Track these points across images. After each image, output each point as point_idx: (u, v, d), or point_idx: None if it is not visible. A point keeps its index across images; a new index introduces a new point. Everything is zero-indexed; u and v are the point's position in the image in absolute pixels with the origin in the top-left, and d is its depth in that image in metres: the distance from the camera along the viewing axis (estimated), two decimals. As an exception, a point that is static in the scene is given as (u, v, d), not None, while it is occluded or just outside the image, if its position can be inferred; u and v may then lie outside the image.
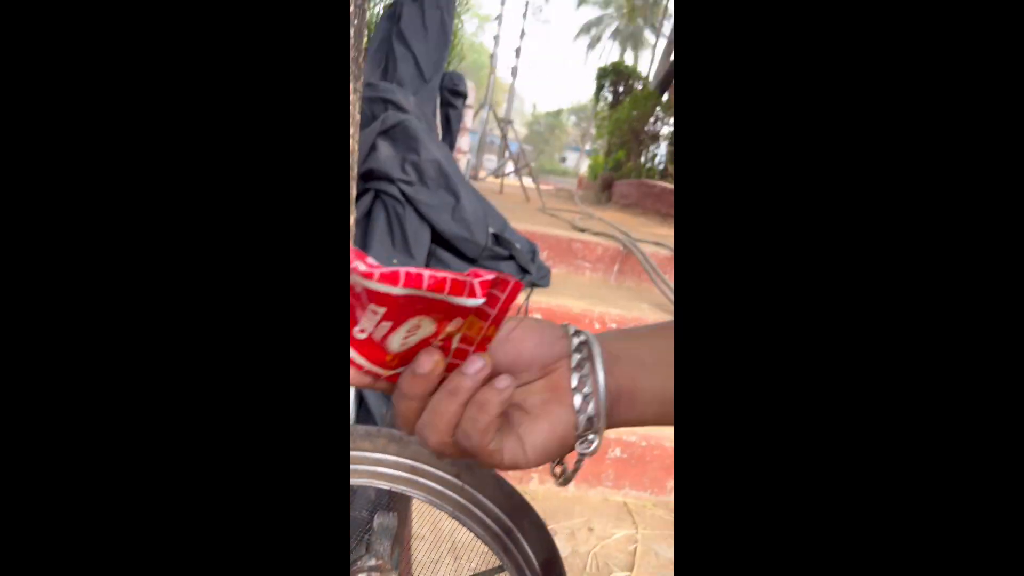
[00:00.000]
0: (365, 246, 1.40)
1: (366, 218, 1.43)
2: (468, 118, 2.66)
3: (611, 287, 2.14)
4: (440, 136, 2.20)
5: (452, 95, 2.24)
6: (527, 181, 4.09)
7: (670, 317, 1.77)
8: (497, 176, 4.27)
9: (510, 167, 4.23)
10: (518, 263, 1.73)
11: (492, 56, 4.56)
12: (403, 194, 1.49)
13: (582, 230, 2.46)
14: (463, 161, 2.72)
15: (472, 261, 1.68)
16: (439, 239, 1.62)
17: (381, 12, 2.11)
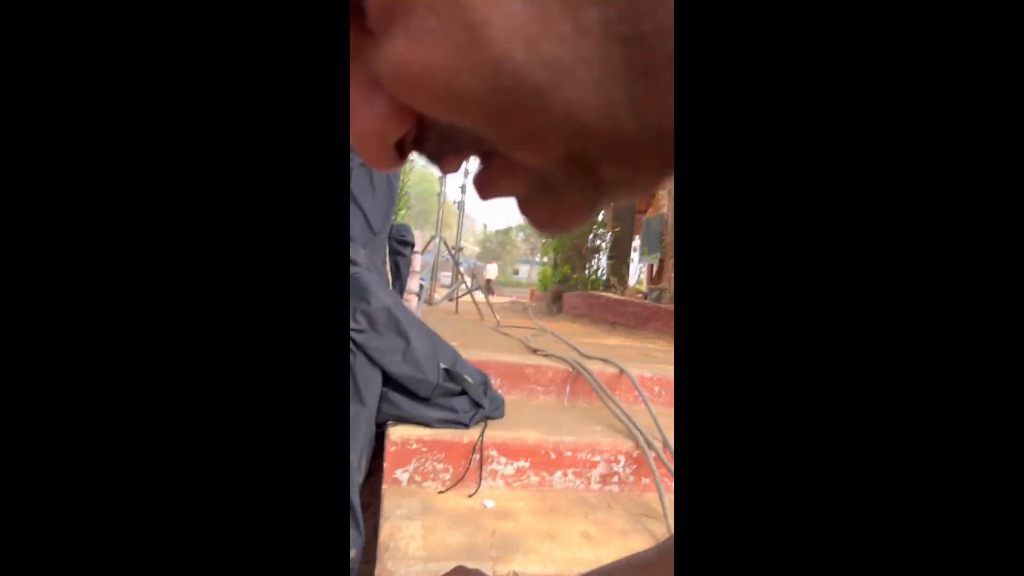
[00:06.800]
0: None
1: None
2: (416, 262, 2.81)
3: (564, 409, 2.19)
4: (391, 282, 2.34)
5: (400, 244, 2.44)
6: (479, 296, 4.22)
7: (623, 437, 1.78)
8: (451, 299, 4.39)
9: (463, 289, 4.37)
10: (471, 397, 1.77)
11: (441, 184, 4.83)
12: (354, 342, 1.55)
13: (535, 350, 2.54)
14: (413, 303, 2.83)
15: (425, 400, 1.72)
16: (390, 381, 1.66)
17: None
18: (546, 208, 0.21)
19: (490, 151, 0.20)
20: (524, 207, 0.22)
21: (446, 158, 0.21)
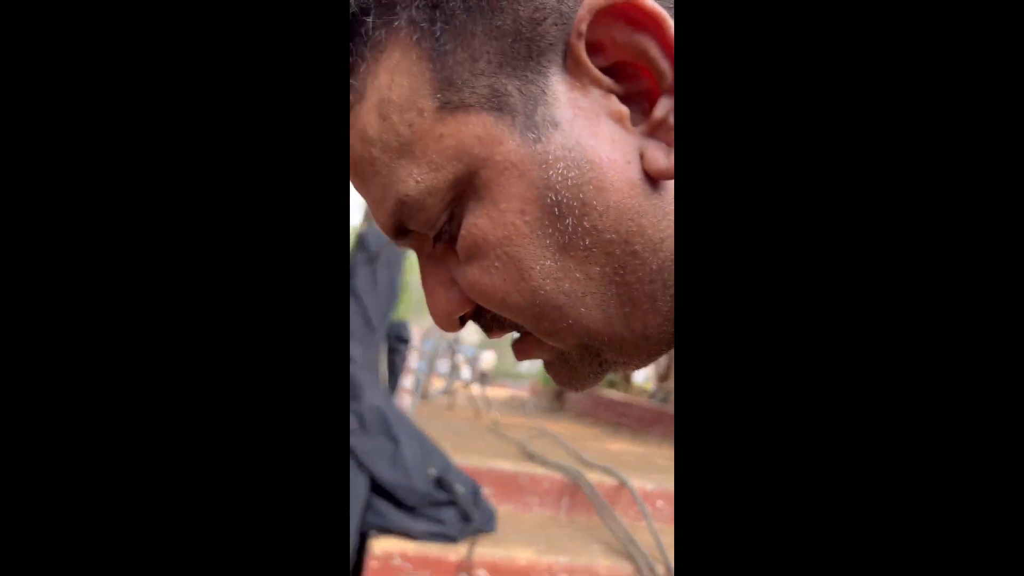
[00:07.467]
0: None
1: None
2: (412, 359, 2.77)
3: (561, 525, 2.05)
4: (386, 378, 2.30)
5: (397, 341, 2.42)
6: (476, 388, 4.10)
7: (623, 558, 1.65)
8: (446, 393, 4.28)
9: (460, 382, 4.28)
10: (460, 509, 1.65)
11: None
12: (341, 445, 1.47)
13: (532, 455, 2.42)
14: (407, 401, 2.76)
15: (411, 509, 1.60)
16: (378, 487, 1.56)
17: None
18: (564, 374, 0.30)
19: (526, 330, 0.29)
20: (548, 368, 0.30)
21: (494, 330, 0.30)
